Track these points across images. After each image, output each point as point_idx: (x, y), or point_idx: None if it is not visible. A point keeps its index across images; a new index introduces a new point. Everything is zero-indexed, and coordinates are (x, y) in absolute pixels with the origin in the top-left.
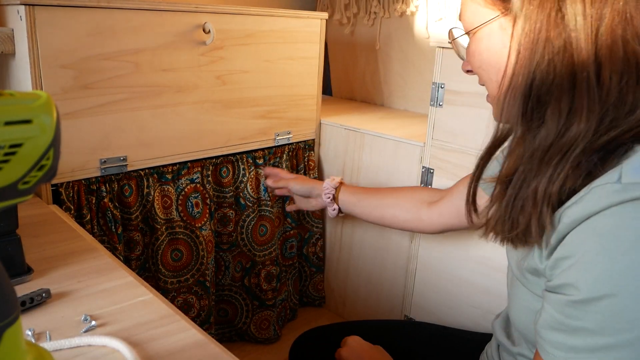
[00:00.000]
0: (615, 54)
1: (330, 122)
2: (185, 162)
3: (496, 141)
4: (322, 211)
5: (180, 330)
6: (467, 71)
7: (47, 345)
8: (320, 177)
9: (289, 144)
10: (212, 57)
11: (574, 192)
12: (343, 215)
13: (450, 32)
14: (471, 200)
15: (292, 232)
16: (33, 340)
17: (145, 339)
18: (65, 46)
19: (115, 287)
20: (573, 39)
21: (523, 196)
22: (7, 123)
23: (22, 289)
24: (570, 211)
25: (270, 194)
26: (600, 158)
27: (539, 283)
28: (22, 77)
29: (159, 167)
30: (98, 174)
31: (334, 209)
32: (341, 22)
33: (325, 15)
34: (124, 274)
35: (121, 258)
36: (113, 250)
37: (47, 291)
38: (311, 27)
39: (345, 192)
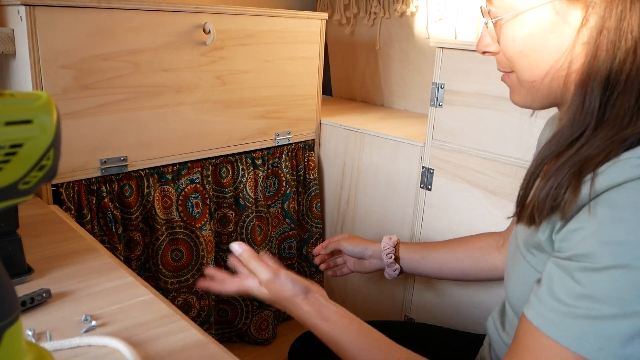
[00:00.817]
0: None
1: (330, 122)
2: (186, 162)
3: (568, 136)
4: (322, 210)
5: (180, 330)
6: (484, 52)
7: (48, 345)
8: (320, 177)
9: (289, 144)
10: (212, 57)
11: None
12: (401, 276)
13: (487, 11)
14: (525, 195)
15: (291, 232)
16: (33, 340)
17: (146, 339)
18: (66, 46)
19: (115, 287)
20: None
21: (570, 164)
22: (8, 123)
23: (23, 289)
24: (592, 182)
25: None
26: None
27: (543, 259)
28: (23, 78)
29: (159, 167)
30: (98, 174)
31: (395, 270)
32: (341, 22)
33: (325, 15)
34: (124, 274)
35: (121, 258)
36: (113, 250)
37: (48, 291)
38: (311, 27)
39: (406, 251)
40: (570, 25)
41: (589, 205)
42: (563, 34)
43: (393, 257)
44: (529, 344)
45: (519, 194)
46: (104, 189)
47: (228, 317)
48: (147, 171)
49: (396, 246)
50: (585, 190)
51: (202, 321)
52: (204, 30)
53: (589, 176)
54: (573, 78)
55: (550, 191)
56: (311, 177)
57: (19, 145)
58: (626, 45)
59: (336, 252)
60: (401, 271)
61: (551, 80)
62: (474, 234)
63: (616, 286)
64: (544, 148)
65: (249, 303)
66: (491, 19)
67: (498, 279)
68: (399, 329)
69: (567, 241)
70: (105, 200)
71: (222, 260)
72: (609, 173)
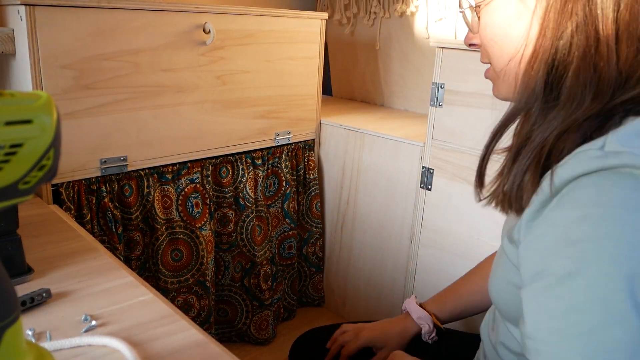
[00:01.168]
0: (633, 29)
1: (330, 122)
2: (185, 162)
3: (511, 115)
4: (322, 210)
5: (180, 330)
6: (470, 44)
7: (48, 345)
8: (320, 177)
9: (289, 144)
10: (212, 57)
11: (563, 156)
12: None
13: (460, 1)
14: (481, 172)
15: (291, 232)
16: (33, 340)
17: (146, 338)
18: (66, 46)
19: (115, 287)
20: (598, 11)
21: (528, 149)
22: (8, 123)
23: (23, 289)
24: (554, 174)
25: None
26: (598, 124)
27: (515, 252)
28: (23, 77)
29: (159, 167)
30: (98, 174)
31: (433, 338)
32: (341, 22)
33: (325, 15)
34: (124, 274)
35: (121, 258)
36: (113, 250)
37: (48, 291)
38: (311, 27)
39: (442, 312)
40: (529, 10)
41: (550, 205)
42: (526, 20)
43: (433, 334)
44: None
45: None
46: (104, 188)
47: (228, 317)
48: (147, 171)
49: (432, 318)
50: (545, 183)
51: (202, 321)
52: (204, 30)
53: (548, 173)
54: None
55: (515, 179)
56: (311, 177)
57: (19, 145)
58: (571, 25)
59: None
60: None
61: (515, 66)
62: (474, 237)
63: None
64: (495, 127)
65: (249, 303)
66: (463, 8)
67: None
68: None
69: (528, 232)
70: (105, 200)
71: (222, 260)
72: (570, 164)
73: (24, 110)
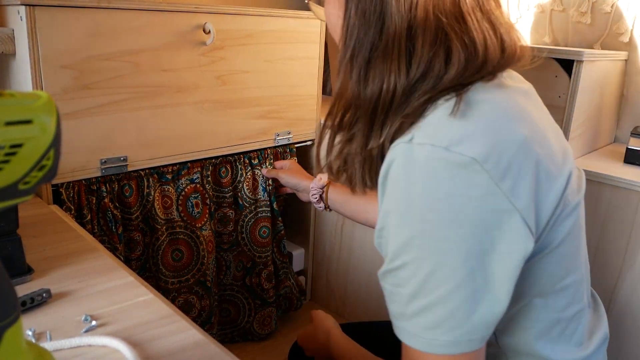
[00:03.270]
0: (427, 27)
1: None
2: (185, 162)
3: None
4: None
5: (180, 330)
6: None
7: (48, 345)
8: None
9: (289, 144)
10: (212, 57)
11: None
12: (331, 211)
13: None
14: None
15: (283, 231)
16: (33, 340)
17: (146, 339)
18: (66, 46)
19: (115, 287)
20: (388, 13)
21: (354, 146)
22: (8, 123)
23: (23, 289)
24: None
25: (270, 191)
26: (409, 117)
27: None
28: (23, 78)
29: (159, 167)
30: (98, 174)
31: (321, 207)
32: None
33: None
34: (124, 274)
35: (121, 258)
36: (113, 250)
37: (48, 291)
38: (311, 27)
39: (333, 192)
40: (342, 10)
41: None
42: (341, 17)
43: (318, 197)
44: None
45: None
46: (104, 189)
47: (231, 317)
48: (147, 171)
49: (326, 187)
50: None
51: (202, 321)
52: (204, 30)
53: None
54: None
55: (363, 179)
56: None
57: (19, 145)
58: (369, 26)
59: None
60: (327, 207)
61: (347, 58)
62: None
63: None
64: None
65: (251, 301)
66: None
67: None
68: None
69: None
70: (105, 200)
71: (222, 260)
72: (387, 158)
73: (24, 110)
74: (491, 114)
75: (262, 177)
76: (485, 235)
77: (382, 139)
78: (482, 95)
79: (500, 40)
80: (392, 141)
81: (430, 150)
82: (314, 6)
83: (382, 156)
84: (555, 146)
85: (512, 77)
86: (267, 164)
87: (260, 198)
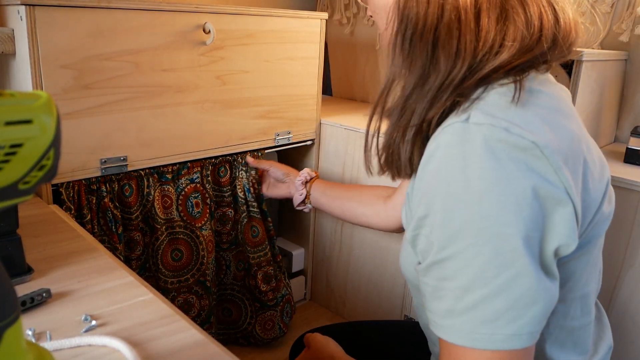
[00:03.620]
0: (493, 1)
1: (330, 122)
2: (185, 162)
3: (386, 86)
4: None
5: (180, 330)
6: (370, 16)
7: (48, 345)
8: (320, 177)
9: (289, 144)
10: (212, 57)
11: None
12: (308, 209)
13: None
14: (369, 148)
15: (272, 231)
16: (33, 340)
17: (146, 338)
18: (66, 46)
19: (115, 287)
20: None
21: (403, 124)
22: (8, 123)
23: (23, 289)
24: (426, 148)
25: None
26: (464, 97)
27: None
28: (23, 77)
29: (159, 167)
30: (98, 174)
31: (301, 194)
32: (341, 22)
33: (325, 15)
34: (124, 274)
35: (121, 258)
36: (113, 250)
37: (48, 291)
38: (311, 27)
39: (318, 182)
40: None
41: (422, 171)
42: None
43: (303, 180)
44: (442, 355)
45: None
46: (104, 188)
47: (232, 317)
48: (147, 171)
49: (313, 178)
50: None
51: (202, 321)
52: (204, 30)
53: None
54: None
55: (406, 151)
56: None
57: (19, 145)
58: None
59: (264, 172)
60: (307, 197)
61: (392, 37)
62: None
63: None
64: (376, 100)
65: (252, 303)
66: None
67: (385, 229)
68: (399, 329)
69: (415, 217)
70: (105, 200)
71: (222, 259)
72: (438, 138)
73: (24, 110)
74: (547, 106)
75: (247, 174)
76: (542, 221)
77: (432, 117)
78: (537, 85)
79: (555, 17)
80: (439, 123)
81: (490, 130)
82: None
83: (427, 137)
84: (595, 152)
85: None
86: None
87: (248, 198)
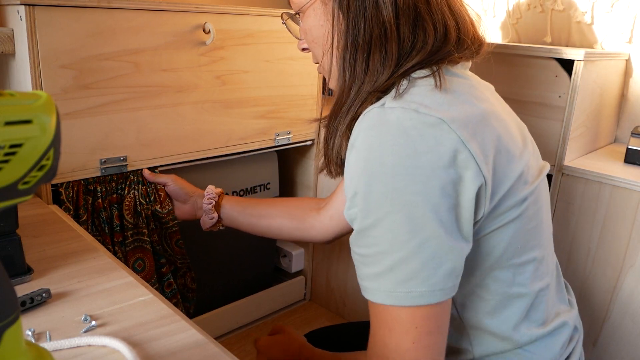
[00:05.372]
0: (408, 13)
1: None
2: (185, 162)
3: (340, 97)
4: None
5: (180, 331)
6: (303, 49)
7: (47, 345)
8: (321, 177)
9: (289, 144)
10: (212, 57)
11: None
12: (222, 228)
13: (282, 15)
14: (326, 152)
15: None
16: (33, 340)
17: (145, 339)
18: (65, 46)
19: (115, 287)
20: (378, 5)
21: (336, 125)
22: (7, 123)
23: (22, 289)
24: (350, 137)
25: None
26: (386, 92)
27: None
28: (22, 77)
29: (158, 167)
30: (98, 174)
31: (212, 218)
32: None
33: None
34: (124, 274)
35: (121, 258)
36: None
37: (47, 291)
38: None
39: (229, 201)
40: (331, 13)
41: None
42: (330, 21)
43: (213, 203)
44: (371, 318)
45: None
46: (103, 188)
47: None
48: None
49: (220, 197)
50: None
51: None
52: (204, 30)
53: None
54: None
55: (335, 146)
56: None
57: (19, 145)
58: (365, 18)
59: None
60: (219, 221)
61: (335, 59)
62: None
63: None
64: (332, 109)
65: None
66: (288, 18)
67: (320, 241)
68: None
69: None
70: (99, 200)
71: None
72: (358, 124)
73: (24, 110)
74: (458, 89)
75: (140, 186)
76: (453, 189)
77: (360, 114)
78: (449, 76)
79: (456, 22)
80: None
81: (401, 111)
82: (290, 24)
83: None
84: (514, 130)
85: (473, 75)
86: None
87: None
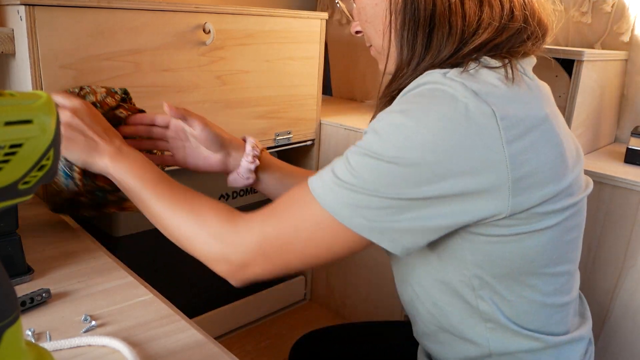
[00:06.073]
0: None
1: (330, 122)
2: None
3: (396, 74)
4: None
5: (180, 330)
6: (357, 32)
7: (47, 345)
8: None
9: (289, 144)
10: (212, 57)
11: None
12: (249, 185)
13: None
14: None
15: None
16: (33, 340)
17: (145, 339)
18: (65, 46)
19: (115, 288)
20: None
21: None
22: (8, 123)
23: (22, 289)
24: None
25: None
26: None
27: None
28: (22, 77)
29: (158, 166)
30: None
31: (248, 179)
32: (341, 22)
33: (325, 15)
34: (124, 274)
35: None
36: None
37: (47, 291)
38: (311, 27)
39: (270, 164)
40: None
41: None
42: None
43: (257, 162)
44: (297, 196)
45: None
46: None
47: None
48: None
49: (261, 153)
50: None
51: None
52: (204, 30)
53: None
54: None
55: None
56: None
57: (19, 145)
58: None
59: (180, 132)
60: (253, 183)
61: (391, 39)
62: None
63: (372, 171)
64: (386, 86)
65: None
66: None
67: None
68: (399, 329)
69: None
70: None
71: None
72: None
73: (24, 110)
74: (525, 87)
75: None
76: (467, 180)
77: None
78: (519, 70)
79: (523, 1)
80: None
81: (460, 86)
82: (343, 4)
83: None
84: (571, 141)
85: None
86: None
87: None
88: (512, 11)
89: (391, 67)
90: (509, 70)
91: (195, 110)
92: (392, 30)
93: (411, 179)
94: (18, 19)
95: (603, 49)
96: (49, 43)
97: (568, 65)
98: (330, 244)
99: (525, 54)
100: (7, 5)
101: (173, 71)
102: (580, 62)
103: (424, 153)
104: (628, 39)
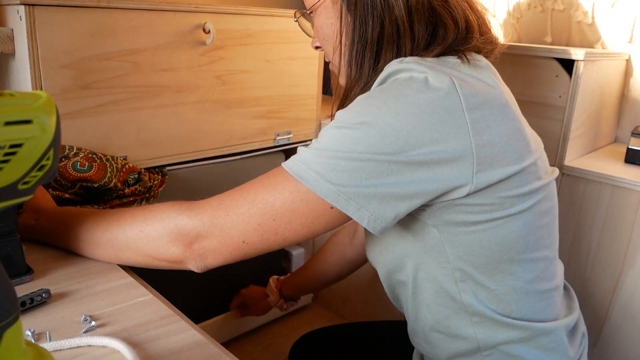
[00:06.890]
0: (422, 10)
1: None
2: (185, 162)
3: (347, 92)
4: None
5: (180, 331)
6: (316, 47)
7: (47, 345)
8: None
9: (289, 144)
10: (212, 57)
11: None
12: (295, 304)
13: (295, 13)
14: None
15: None
16: (33, 341)
17: (145, 339)
18: (65, 46)
19: (115, 288)
20: (389, 4)
21: None
22: (8, 123)
23: (22, 289)
24: None
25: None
26: None
27: None
28: (22, 77)
29: (158, 167)
30: None
31: (285, 309)
32: None
33: None
34: (124, 275)
35: None
36: None
37: (47, 291)
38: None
39: (286, 283)
40: (339, 11)
41: None
42: (339, 19)
43: (289, 307)
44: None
45: None
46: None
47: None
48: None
49: (277, 287)
50: None
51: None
52: (203, 30)
53: None
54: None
55: None
56: None
57: (19, 145)
58: (374, 16)
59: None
60: (292, 302)
61: (343, 56)
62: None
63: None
64: (340, 100)
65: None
66: (301, 16)
67: (357, 267)
68: (399, 329)
69: None
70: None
71: None
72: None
73: (24, 110)
74: (484, 71)
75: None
76: (432, 147)
77: None
78: (479, 62)
79: (477, 19)
80: None
81: (415, 65)
82: (303, 22)
83: None
84: (531, 130)
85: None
86: None
87: None
88: (467, 29)
89: (343, 81)
90: (464, 58)
91: (195, 110)
92: (343, 49)
93: (377, 143)
94: (18, 19)
95: (603, 49)
96: (49, 43)
97: (568, 65)
98: (290, 215)
99: (478, 51)
100: (7, 5)
101: (173, 71)
102: (581, 62)
103: (389, 121)
104: (628, 39)
